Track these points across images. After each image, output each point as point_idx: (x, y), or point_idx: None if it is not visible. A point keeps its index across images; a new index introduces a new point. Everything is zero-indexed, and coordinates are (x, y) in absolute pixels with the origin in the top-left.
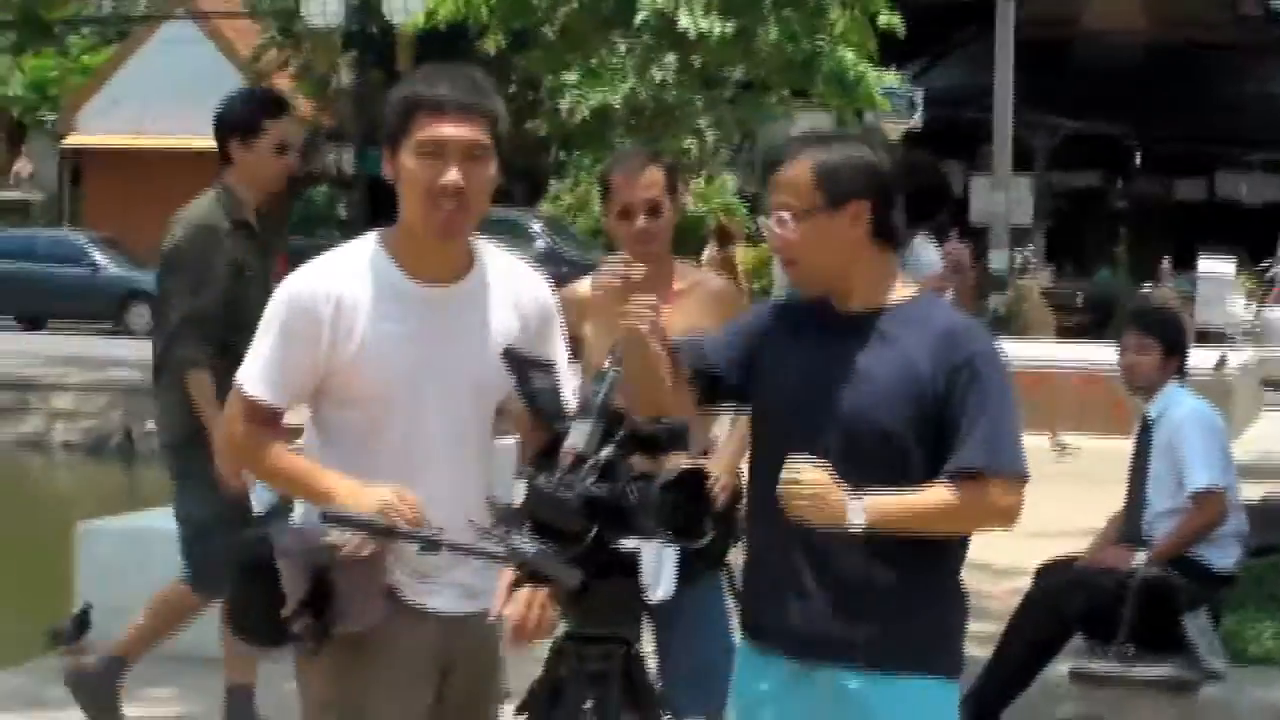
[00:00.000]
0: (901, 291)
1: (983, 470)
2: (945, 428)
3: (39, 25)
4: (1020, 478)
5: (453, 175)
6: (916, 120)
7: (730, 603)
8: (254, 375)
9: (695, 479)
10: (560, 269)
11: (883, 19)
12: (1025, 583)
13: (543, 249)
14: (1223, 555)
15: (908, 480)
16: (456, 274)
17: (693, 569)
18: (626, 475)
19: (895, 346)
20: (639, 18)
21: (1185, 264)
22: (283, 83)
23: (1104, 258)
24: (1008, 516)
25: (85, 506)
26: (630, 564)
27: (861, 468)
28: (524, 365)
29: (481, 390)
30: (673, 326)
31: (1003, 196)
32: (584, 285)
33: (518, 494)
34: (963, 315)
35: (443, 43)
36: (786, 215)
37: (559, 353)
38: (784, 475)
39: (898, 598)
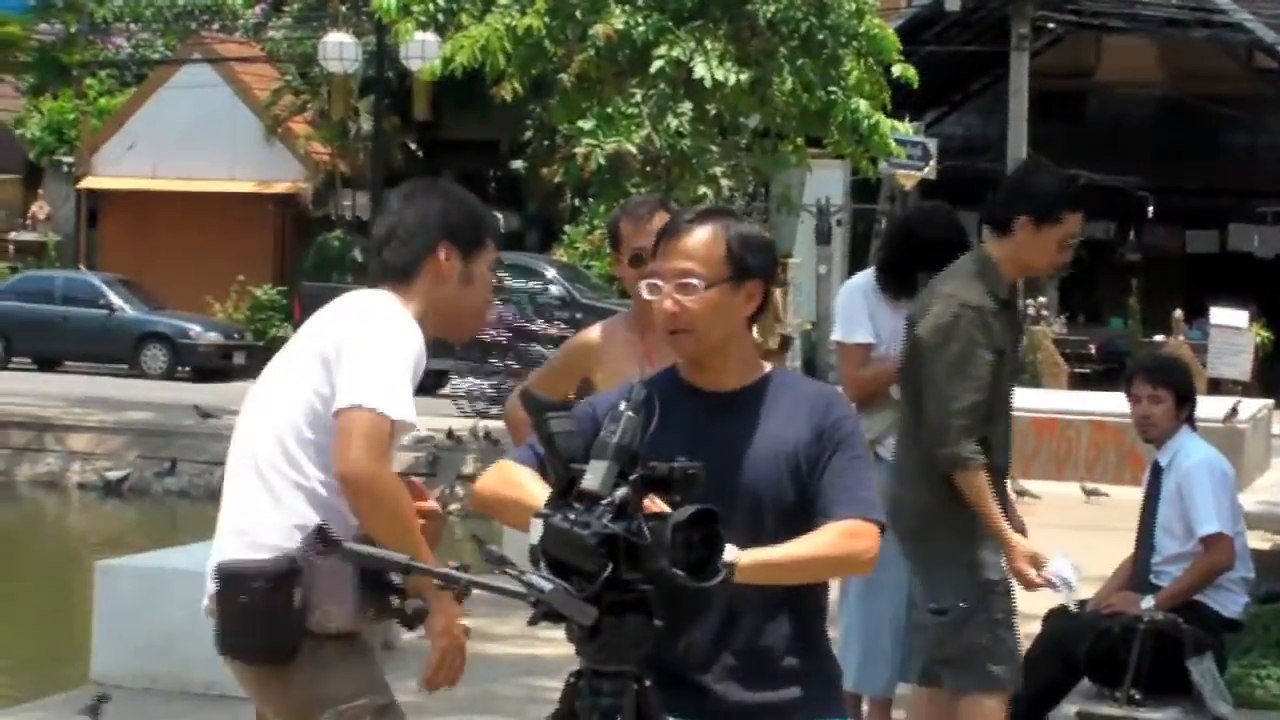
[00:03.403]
0: (761, 368)
1: (854, 520)
2: (815, 485)
3: (57, 68)
4: (882, 527)
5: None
6: (930, 170)
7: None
8: (405, 402)
9: (708, 518)
10: (575, 314)
11: (897, 69)
12: (1034, 628)
13: (557, 294)
14: (1230, 602)
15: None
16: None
17: None
18: (640, 514)
19: (771, 420)
20: (655, 66)
21: (1197, 315)
22: (299, 127)
23: (1116, 308)
24: (873, 563)
25: (102, 545)
26: (643, 601)
27: (769, 543)
28: (542, 408)
29: None
30: None
31: None
32: (595, 332)
33: (534, 532)
34: (820, 383)
35: (459, 89)
36: (694, 281)
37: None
38: None
39: (803, 658)
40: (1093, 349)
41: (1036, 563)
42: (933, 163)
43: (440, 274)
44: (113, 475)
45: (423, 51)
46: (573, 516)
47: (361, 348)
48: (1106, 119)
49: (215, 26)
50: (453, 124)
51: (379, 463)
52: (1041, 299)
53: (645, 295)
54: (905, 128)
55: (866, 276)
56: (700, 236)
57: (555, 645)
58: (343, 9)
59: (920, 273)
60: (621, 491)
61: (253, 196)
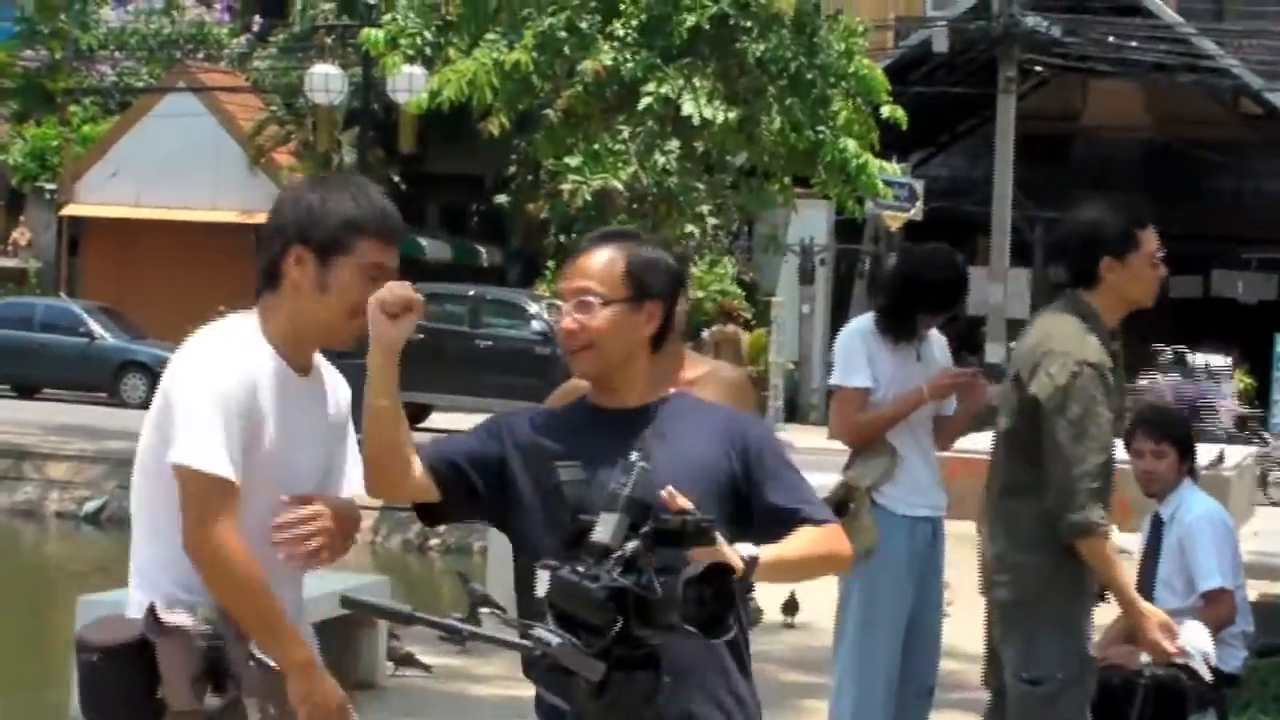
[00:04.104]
0: (663, 389)
1: (827, 522)
2: (755, 503)
3: (42, 95)
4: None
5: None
6: (916, 211)
7: None
8: (216, 452)
9: (721, 573)
10: (556, 350)
11: (886, 110)
12: None
13: (540, 330)
14: (1229, 657)
15: None
16: (311, 367)
17: None
18: (651, 568)
19: (682, 439)
20: (643, 103)
21: (1180, 361)
22: (283, 159)
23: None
24: (850, 561)
25: (81, 577)
26: (653, 657)
27: None
28: (550, 456)
29: (325, 470)
30: None
31: (1000, 289)
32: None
33: (540, 584)
34: (721, 405)
35: (445, 123)
36: (592, 300)
37: (354, 451)
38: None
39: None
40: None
41: (1171, 632)
42: (919, 204)
43: (294, 282)
44: (91, 505)
45: (409, 84)
46: (581, 569)
47: (175, 394)
48: (1092, 162)
49: (200, 55)
50: (437, 158)
51: (209, 526)
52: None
53: (572, 313)
54: (892, 168)
55: (866, 320)
56: (600, 257)
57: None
58: (329, 41)
59: (920, 315)
60: (632, 544)
61: (235, 226)
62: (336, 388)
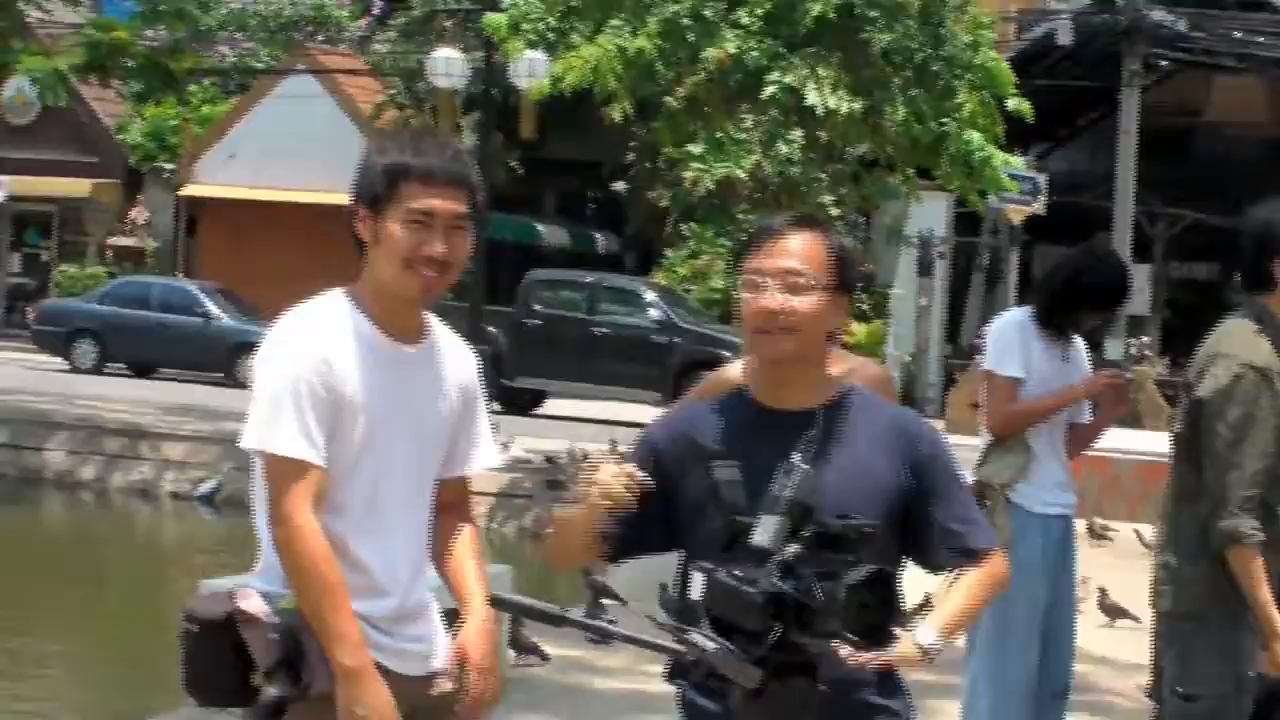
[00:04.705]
0: (837, 386)
1: (980, 549)
2: (919, 517)
3: (164, 75)
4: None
5: (439, 247)
6: (1039, 205)
7: None
8: (290, 435)
9: (884, 579)
10: (673, 339)
11: (1012, 103)
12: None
13: (657, 318)
14: None
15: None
16: (419, 335)
17: None
18: (812, 573)
19: (857, 447)
20: (767, 92)
21: None
22: None
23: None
24: (1008, 581)
25: (198, 558)
26: (810, 664)
27: None
28: (706, 456)
29: (437, 446)
30: None
31: None
32: (735, 369)
33: (695, 587)
34: (896, 404)
35: (565, 109)
36: (802, 281)
37: (484, 424)
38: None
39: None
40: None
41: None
42: (1042, 198)
43: (364, 242)
44: (206, 486)
45: (531, 70)
46: (739, 573)
47: (254, 379)
48: (1214, 158)
49: (320, 38)
50: (556, 143)
51: (290, 508)
52: (1144, 338)
53: (744, 294)
54: (1016, 162)
55: (1023, 312)
56: (804, 240)
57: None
58: (450, 24)
59: (1083, 314)
60: (793, 548)
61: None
62: (457, 357)
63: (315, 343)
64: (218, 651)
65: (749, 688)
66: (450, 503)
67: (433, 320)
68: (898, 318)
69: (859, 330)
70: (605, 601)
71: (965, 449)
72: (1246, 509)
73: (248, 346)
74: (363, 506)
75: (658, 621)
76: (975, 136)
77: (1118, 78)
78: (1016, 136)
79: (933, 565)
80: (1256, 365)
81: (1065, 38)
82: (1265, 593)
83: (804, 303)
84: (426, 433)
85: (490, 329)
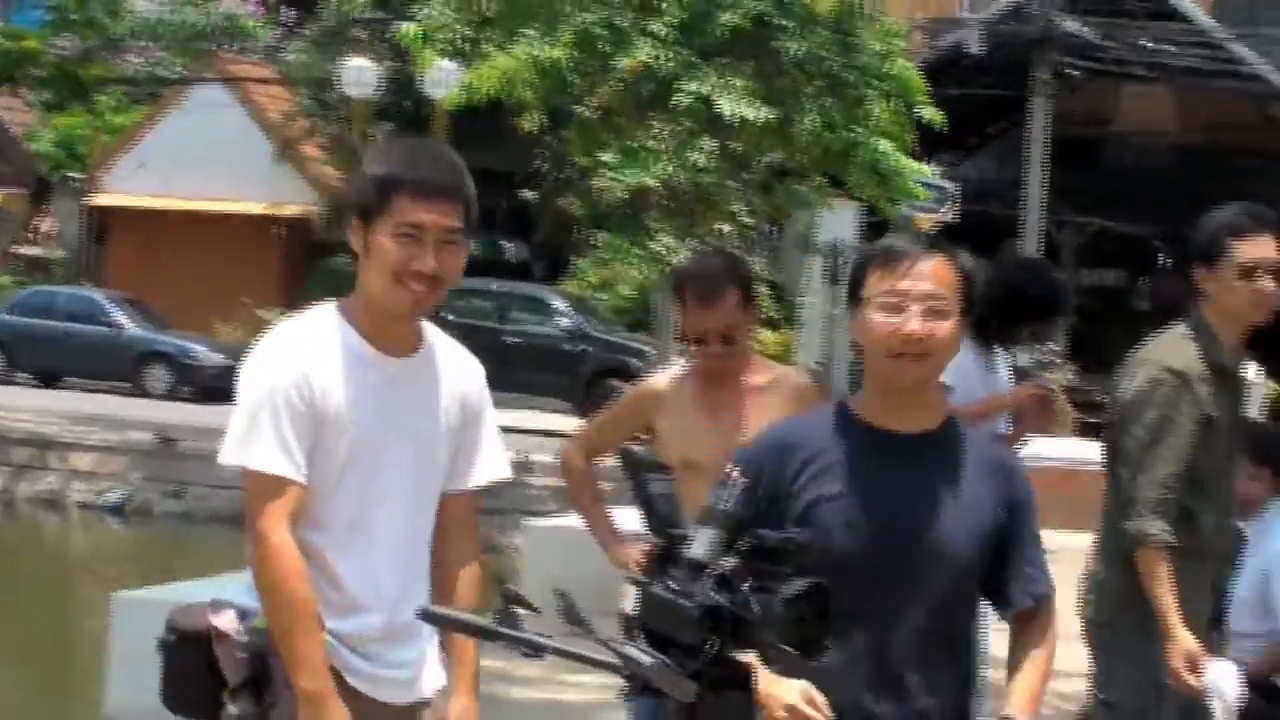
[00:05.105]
0: (943, 411)
1: (1048, 595)
2: (1003, 555)
3: (73, 84)
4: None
5: (430, 262)
6: (949, 212)
7: None
8: (269, 451)
9: (820, 592)
10: (583, 347)
11: (928, 113)
12: (1076, 686)
13: (567, 327)
14: None
15: (968, 608)
16: (412, 347)
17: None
18: (748, 586)
19: (958, 475)
20: (679, 101)
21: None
22: (311, 152)
23: (1126, 356)
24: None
25: (107, 570)
26: (745, 678)
27: (955, 603)
28: (641, 468)
29: (432, 459)
30: (749, 422)
31: None
32: (661, 379)
33: (628, 600)
34: (998, 443)
35: (478, 119)
36: (945, 307)
37: (490, 436)
38: None
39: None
40: (1102, 398)
41: (1196, 666)
42: (952, 205)
43: (357, 253)
44: (113, 496)
45: (444, 79)
46: (676, 586)
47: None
48: (1122, 166)
49: (231, 48)
50: (467, 153)
51: (264, 525)
52: (1052, 345)
53: (877, 317)
54: (926, 170)
55: None
56: (938, 264)
57: (582, 691)
58: (363, 34)
59: (1024, 326)
60: (729, 561)
61: (262, 219)
62: (456, 368)
63: (296, 357)
64: (192, 663)
65: (684, 702)
66: (453, 524)
67: (432, 331)
68: (807, 326)
69: (769, 338)
70: (518, 610)
71: None
72: (1157, 511)
73: (155, 356)
74: (347, 522)
75: (593, 635)
76: (886, 145)
77: (1028, 87)
78: (927, 145)
79: (1003, 603)
80: (1175, 369)
81: (976, 46)
82: (1169, 596)
83: (943, 328)
84: (422, 447)
85: None
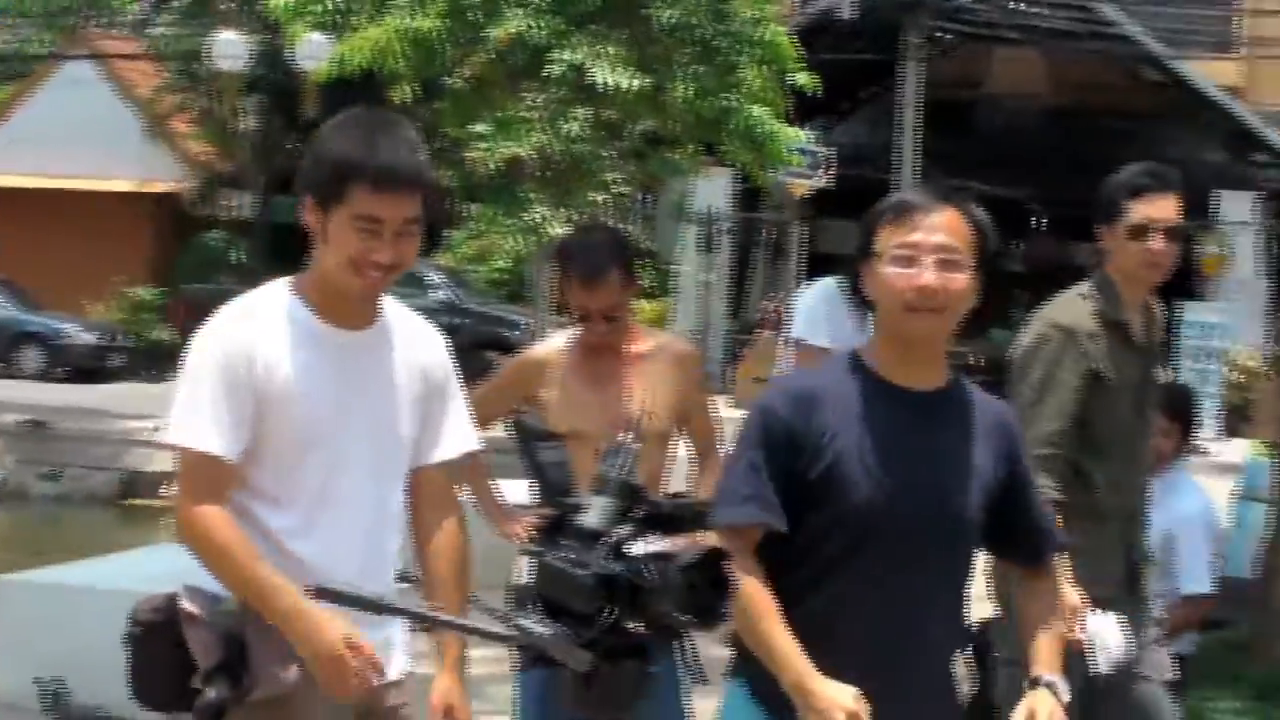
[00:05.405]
0: (949, 369)
1: (1055, 551)
2: (1009, 513)
3: None
4: None
5: (386, 255)
6: (823, 178)
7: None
8: (202, 428)
9: (716, 560)
10: (458, 320)
11: (802, 78)
12: None
13: (442, 299)
14: (1187, 641)
15: (971, 560)
16: (367, 321)
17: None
18: (644, 554)
19: (969, 433)
20: (552, 70)
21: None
22: (181, 126)
23: (999, 319)
24: None
25: None
26: (640, 647)
27: (956, 560)
28: (531, 436)
29: (393, 431)
30: (633, 391)
31: None
32: (543, 349)
33: (523, 570)
34: (996, 399)
35: (349, 91)
36: (958, 259)
37: (458, 408)
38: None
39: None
40: (976, 360)
41: (1078, 617)
42: (825, 171)
43: (312, 230)
44: None
45: (313, 52)
46: (571, 556)
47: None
48: (995, 130)
49: (99, 22)
50: None
51: (189, 502)
52: None
53: (890, 270)
54: (800, 136)
55: (832, 283)
56: (951, 215)
57: (484, 665)
58: (231, 7)
59: None
60: (623, 529)
61: (133, 196)
62: (415, 339)
63: (239, 333)
64: (159, 654)
65: (582, 670)
66: (429, 497)
67: (389, 303)
68: (682, 294)
69: (644, 308)
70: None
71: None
72: (1044, 468)
73: (27, 336)
74: (310, 499)
75: (486, 607)
76: (759, 111)
77: (899, 51)
78: (800, 111)
79: (1016, 560)
80: (1061, 324)
81: (847, 11)
82: None
83: (958, 280)
84: (383, 420)
85: None
